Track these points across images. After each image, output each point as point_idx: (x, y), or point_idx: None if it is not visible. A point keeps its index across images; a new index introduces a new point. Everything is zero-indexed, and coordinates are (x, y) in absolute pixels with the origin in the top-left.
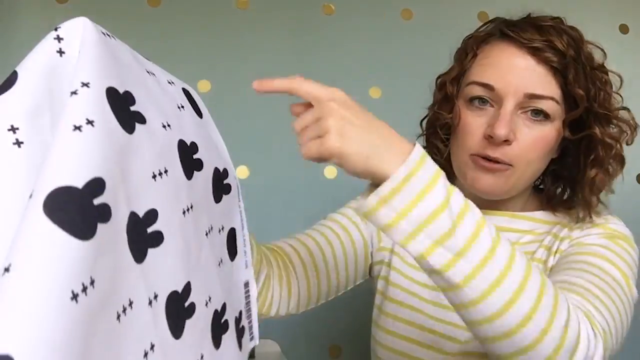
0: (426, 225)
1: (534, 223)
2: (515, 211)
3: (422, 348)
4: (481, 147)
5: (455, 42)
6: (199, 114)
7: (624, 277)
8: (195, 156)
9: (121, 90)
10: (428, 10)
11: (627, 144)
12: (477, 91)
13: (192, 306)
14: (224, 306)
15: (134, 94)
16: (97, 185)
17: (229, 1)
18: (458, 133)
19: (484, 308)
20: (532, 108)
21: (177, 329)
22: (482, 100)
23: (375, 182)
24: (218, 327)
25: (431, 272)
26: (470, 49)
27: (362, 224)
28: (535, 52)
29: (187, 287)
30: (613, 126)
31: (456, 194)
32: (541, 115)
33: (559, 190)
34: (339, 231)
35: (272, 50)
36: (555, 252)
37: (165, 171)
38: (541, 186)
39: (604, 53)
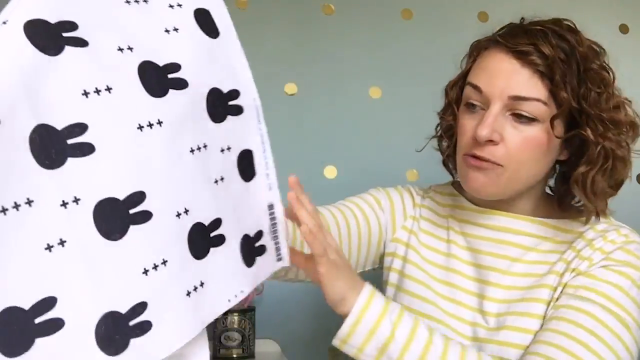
0: (383, 353)
1: (548, 229)
2: (523, 214)
3: None
4: (471, 147)
5: (455, 43)
6: (214, 33)
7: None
8: (172, 75)
9: (52, 21)
10: (428, 10)
11: (625, 145)
12: (470, 93)
13: (145, 213)
14: (216, 221)
15: (78, 22)
16: None
17: (229, 1)
18: (456, 135)
19: None
20: (517, 111)
21: (111, 232)
22: (473, 104)
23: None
24: (202, 239)
25: None
26: (472, 54)
27: (380, 211)
28: (520, 56)
29: (136, 195)
30: (610, 126)
31: (401, 327)
32: (523, 118)
33: (568, 192)
34: (357, 212)
35: (272, 50)
36: (574, 270)
37: (109, 89)
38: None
39: (604, 51)
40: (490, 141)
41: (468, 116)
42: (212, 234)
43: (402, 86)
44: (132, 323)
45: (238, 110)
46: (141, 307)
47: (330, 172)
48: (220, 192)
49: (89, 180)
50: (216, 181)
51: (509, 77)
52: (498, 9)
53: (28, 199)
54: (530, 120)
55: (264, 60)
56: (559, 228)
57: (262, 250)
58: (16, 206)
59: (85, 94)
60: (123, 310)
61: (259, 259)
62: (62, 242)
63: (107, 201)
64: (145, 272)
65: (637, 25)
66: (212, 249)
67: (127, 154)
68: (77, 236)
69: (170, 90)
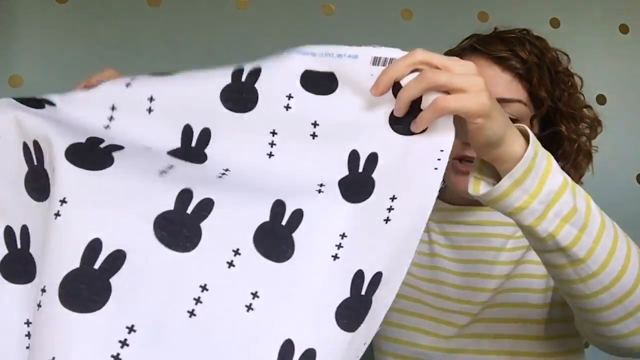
0: (554, 204)
1: None
2: None
3: (422, 334)
4: (460, 149)
5: (455, 43)
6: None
7: None
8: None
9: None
10: (428, 10)
11: (591, 139)
12: None
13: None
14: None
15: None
16: None
17: (229, 1)
18: None
19: (604, 277)
20: None
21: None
22: None
23: (488, 161)
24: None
25: (556, 250)
26: None
27: None
28: (500, 61)
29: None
30: (580, 124)
31: (563, 172)
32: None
33: None
34: None
35: (272, 50)
36: None
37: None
38: None
39: (568, 58)
40: None
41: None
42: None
43: None
44: None
45: None
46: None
47: None
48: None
49: None
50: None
51: (491, 82)
52: (498, 9)
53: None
54: (513, 121)
55: None
56: None
57: None
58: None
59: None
60: None
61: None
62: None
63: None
64: None
65: (637, 25)
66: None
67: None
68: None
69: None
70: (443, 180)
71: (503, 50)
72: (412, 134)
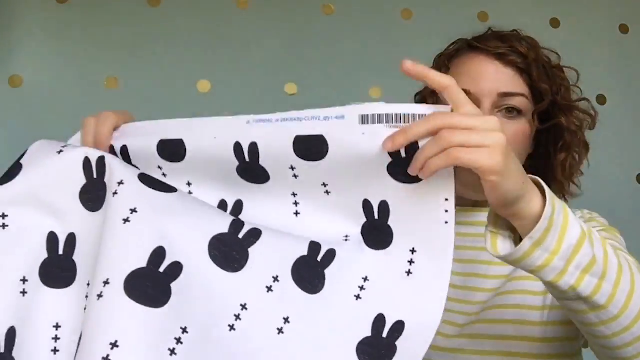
0: (574, 258)
1: None
2: None
3: None
4: None
5: None
6: None
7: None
8: None
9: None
10: (428, 10)
11: (590, 129)
12: None
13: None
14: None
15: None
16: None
17: (229, 1)
18: None
19: (624, 319)
20: (506, 106)
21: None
22: None
23: (508, 213)
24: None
25: (577, 299)
26: (442, 65)
27: None
28: (501, 57)
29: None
30: (575, 116)
31: (578, 218)
32: (515, 112)
33: None
34: None
35: (272, 50)
36: None
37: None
38: None
39: (558, 55)
40: None
41: None
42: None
43: (402, 86)
44: None
45: None
46: None
47: None
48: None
49: None
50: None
51: (495, 77)
52: (498, 9)
53: None
54: (518, 113)
55: (264, 60)
56: None
57: None
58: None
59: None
60: None
61: None
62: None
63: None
64: None
65: (637, 25)
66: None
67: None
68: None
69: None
70: None
71: (502, 46)
72: (414, 182)
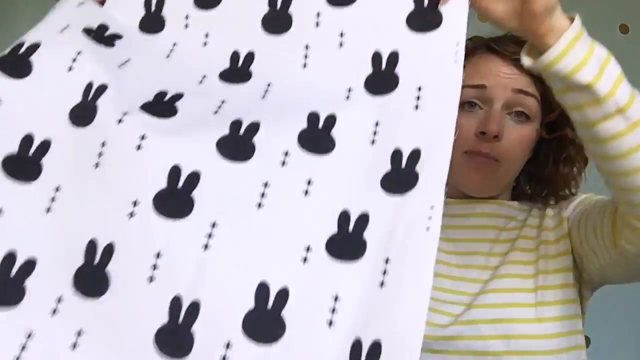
0: (607, 65)
1: (512, 210)
2: (492, 199)
3: None
4: (474, 144)
5: None
6: None
7: None
8: None
9: None
10: None
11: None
12: (470, 93)
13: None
14: None
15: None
16: None
17: None
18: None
19: None
20: (516, 110)
21: None
22: (472, 104)
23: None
24: None
25: (616, 112)
26: None
27: None
28: (518, 63)
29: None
30: None
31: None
32: (523, 116)
33: (528, 188)
34: None
35: None
36: (544, 228)
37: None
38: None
39: None
40: (495, 137)
41: (465, 115)
42: None
43: None
44: None
45: None
46: None
47: None
48: None
49: None
50: None
51: (510, 76)
52: None
53: None
54: (527, 118)
55: None
56: (520, 209)
57: None
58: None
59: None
60: None
61: None
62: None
63: None
64: None
65: (637, 25)
66: None
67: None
68: None
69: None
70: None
71: (519, 51)
72: (428, 30)
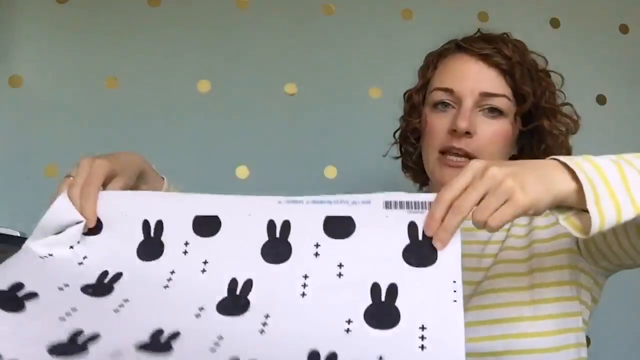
0: (629, 186)
1: None
2: None
3: None
4: (447, 141)
5: None
6: None
7: None
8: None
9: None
10: (428, 10)
11: (572, 134)
12: (440, 96)
13: None
14: None
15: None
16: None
17: (229, 1)
18: (426, 135)
19: None
20: (487, 106)
21: None
22: (444, 104)
23: (560, 204)
24: None
25: None
26: (431, 63)
27: None
28: (485, 58)
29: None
30: (558, 120)
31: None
32: (496, 112)
33: None
34: None
35: (272, 50)
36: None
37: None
38: None
39: (545, 60)
40: (467, 133)
41: (438, 115)
42: None
43: (402, 86)
44: None
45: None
46: None
47: (330, 172)
48: None
49: None
50: None
51: (478, 77)
52: (498, 9)
53: None
54: (500, 113)
55: (264, 60)
56: None
57: None
58: None
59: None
60: None
61: None
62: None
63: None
64: None
65: (637, 25)
66: None
67: None
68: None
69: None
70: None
71: (487, 47)
72: (425, 265)
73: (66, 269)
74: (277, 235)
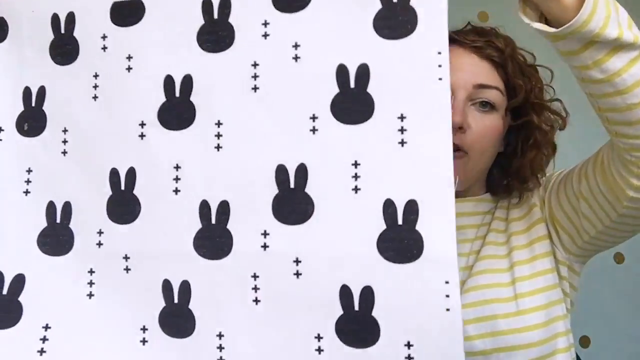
0: (623, 18)
1: (486, 203)
2: (469, 196)
3: None
4: None
5: None
6: None
7: None
8: None
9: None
10: None
11: (560, 130)
12: None
13: None
14: None
15: None
16: None
17: None
18: None
19: None
20: (480, 100)
21: None
22: None
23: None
24: None
25: (629, 46)
26: None
27: None
28: (478, 50)
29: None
30: (547, 116)
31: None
32: (488, 106)
33: (504, 180)
34: None
35: None
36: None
37: None
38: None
39: (534, 57)
40: (460, 128)
41: None
42: None
43: None
44: None
45: None
46: None
47: None
48: None
49: None
50: None
51: (471, 69)
52: (498, 9)
53: None
54: (491, 107)
55: None
56: (491, 200)
57: None
58: None
59: None
60: None
61: None
62: None
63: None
64: None
65: (637, 25)
66: None
67: None
68: None
69: None
70: None
71: (479, 40)
72: (401, 36)
73: None
74: (216, 15)
